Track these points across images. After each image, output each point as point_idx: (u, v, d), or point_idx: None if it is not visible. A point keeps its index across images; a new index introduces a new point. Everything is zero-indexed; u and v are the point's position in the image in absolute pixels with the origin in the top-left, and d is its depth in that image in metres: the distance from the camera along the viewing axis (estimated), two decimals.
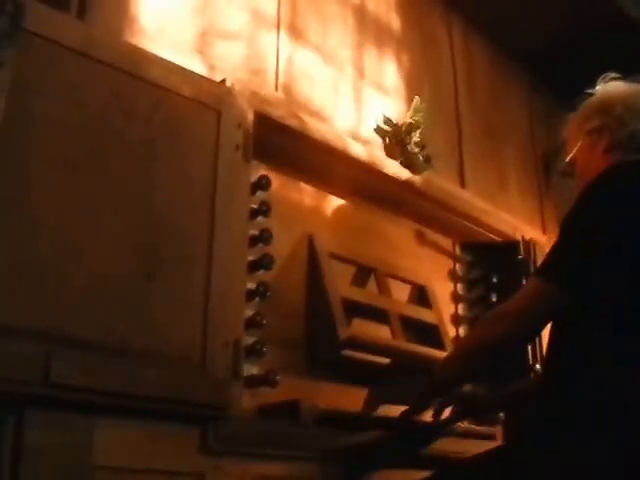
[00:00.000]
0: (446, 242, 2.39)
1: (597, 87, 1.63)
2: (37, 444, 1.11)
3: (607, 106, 1.54)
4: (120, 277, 1.28)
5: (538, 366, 2.17)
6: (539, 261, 2.18)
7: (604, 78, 1.63)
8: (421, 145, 2.18)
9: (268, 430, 1.44)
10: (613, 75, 1.62)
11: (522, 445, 1.35)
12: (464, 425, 1.88)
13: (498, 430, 1.97)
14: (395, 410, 1.66)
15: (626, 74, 1.59)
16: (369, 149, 2.01)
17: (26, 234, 1.18)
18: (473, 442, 1.79)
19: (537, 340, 2.15)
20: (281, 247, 1.75)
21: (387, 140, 2.17)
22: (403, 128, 2.19)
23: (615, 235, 1.31)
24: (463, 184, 2.52)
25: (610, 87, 1.60)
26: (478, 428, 1.95)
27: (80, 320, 1.20)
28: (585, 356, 1.32)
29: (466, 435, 1.80)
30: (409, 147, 2.16)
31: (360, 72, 2.21)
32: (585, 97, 1.62)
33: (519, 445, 1.38)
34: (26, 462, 1.10)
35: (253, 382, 1.54)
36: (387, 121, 2.18)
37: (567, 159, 1.62)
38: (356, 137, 2.03)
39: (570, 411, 1.29)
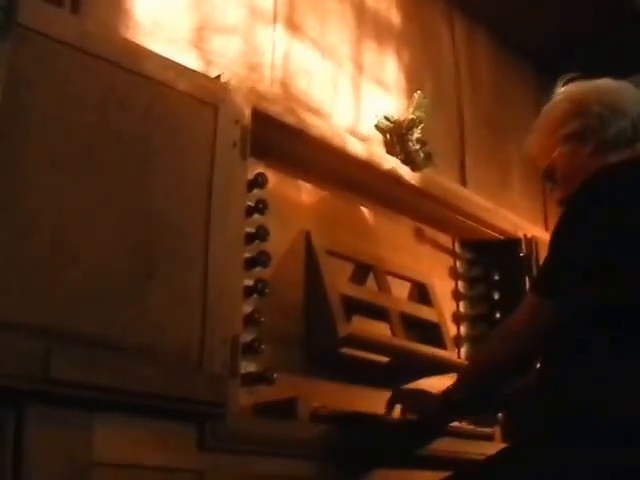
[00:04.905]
0: (445, 239, 2.36)
1: (557, 90, 1.55)
2: (38, 440, 1.10)
3: (583, 107, 1.45)
4: (117, 274, 1.27)
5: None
6: (541, 259, 2.16)
7: (562, 80, 1.56)
8: (422, 142, 2.16)
9: (266, 428, 1.42)
10: (571, 76, 1.55)
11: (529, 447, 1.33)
12: (461, 425, 1.86)
13: (496, 430, 1.95)
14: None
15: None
16: (368, 146, 1.99)
17: (23, 231, 1.17)
18: (470, 442, 1.77)
19: None
20: (278, 244, 1.73)
21: (387, 137, 2.15)
22: (404, 124, 2.17)
23: (609, 241, 1.27)
24: (464, 181, 2.50)
25: (576, 87, 1.52)
26: (476, 428, 1.93)
27: (78, 316, 1.20)
28: (583, 364, 1.29)
29: (463, 435, 1.79)
30: (410, 144, 2.14)
31: (359, 68, 2.19)
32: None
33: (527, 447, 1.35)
34: (27, 459, 1.09)
35: (250, 379, 1.53)
36: (388, 117, 2.16)
37: (543, 168, 1.55)
38: (355, 134, 2.01)
39: (570, 420, 1.27)
